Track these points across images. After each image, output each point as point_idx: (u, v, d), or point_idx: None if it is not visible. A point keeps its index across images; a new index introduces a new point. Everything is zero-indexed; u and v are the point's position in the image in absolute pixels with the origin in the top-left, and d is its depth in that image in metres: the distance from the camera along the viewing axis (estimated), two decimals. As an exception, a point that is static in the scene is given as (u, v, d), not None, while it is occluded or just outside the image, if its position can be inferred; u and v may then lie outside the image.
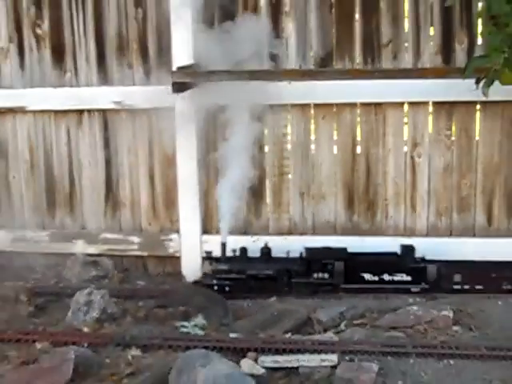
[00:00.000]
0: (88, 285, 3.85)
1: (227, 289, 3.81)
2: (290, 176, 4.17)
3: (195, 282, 3.94)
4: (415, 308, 3.49)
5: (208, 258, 3.94)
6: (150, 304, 3.73)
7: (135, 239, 4.34)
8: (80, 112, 4.33)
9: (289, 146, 4.16)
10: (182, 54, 4.02)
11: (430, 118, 4.00)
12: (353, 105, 4.02)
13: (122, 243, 4.34)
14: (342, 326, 3.44)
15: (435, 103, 3.95)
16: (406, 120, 4.02)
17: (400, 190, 4.05)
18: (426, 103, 3.95)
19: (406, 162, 4.03)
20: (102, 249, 4.37)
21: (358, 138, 4.07)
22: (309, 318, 3.52)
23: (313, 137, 4.12)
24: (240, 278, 3.81)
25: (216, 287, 3.81)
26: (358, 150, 4.08)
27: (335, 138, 4.11)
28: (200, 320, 3.33)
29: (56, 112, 4.36)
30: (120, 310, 3.60)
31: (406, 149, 4.03)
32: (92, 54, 4.28)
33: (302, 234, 4.19)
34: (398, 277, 3.77)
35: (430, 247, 3.87)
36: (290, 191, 4.18)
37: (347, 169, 4.10)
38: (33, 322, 3.52)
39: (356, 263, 3.82)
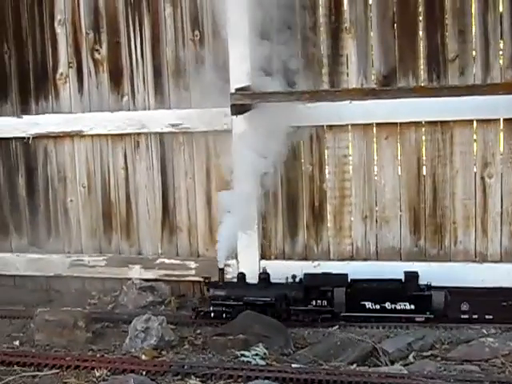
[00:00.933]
0: (145, 311, 3.78)
1: (224, 315, 3.71)
2: (351, 199, 4.02)
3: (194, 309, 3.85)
4: (490, 340, 3.27)
5: (206, 283, 3.86)
6: (208, 331, 3.65)
7: (192, 264, 4.26)
8: (137, 135, 4.31)
9: (350, 168, 4.02)
10: (239, 75, 3.97)
11: (501, 135, 3.78)
12: (418, 123, 3.86)
13: (178, 268, 4.27)
14: (411, 358, 3.23)
15: (506, 120, 3.74)
16: (474, 137, 3.82)
17: (470, 212, 3.84)
18: (496, 120, 3.75)
19: (476, 183, 3.82)
20: (159, 274, 4.31)
21: (424, 158, 3.90)
22: (374, 349, 3.32)
23: (375, 157, 3.97)
24: (237, 305, 3.69)
25: (213, 314, 3.74)
26: (424, 170, 3.90)
27: (399, 158, 3.94)
28: (261, 349, 3.18)
29: (113, 136, 4.36)
30: (178, 337, 3.50)
31: (475, 169, 3.82)
32: (149, 77, 4.28)
33: (365, 259, 4.02)
34: (401, 305, 3.60)
35: (503, 274, 3.63)
36: (352, 214, 4.02)
37: (412, 191, 3.92)
38: (91, 348, 3.46)
39: (357, 291, 3.66)
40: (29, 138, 4.50)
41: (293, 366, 3.08)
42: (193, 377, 2.99)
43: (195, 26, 4.16)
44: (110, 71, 4.35)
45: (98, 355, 3.31)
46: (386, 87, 3.78)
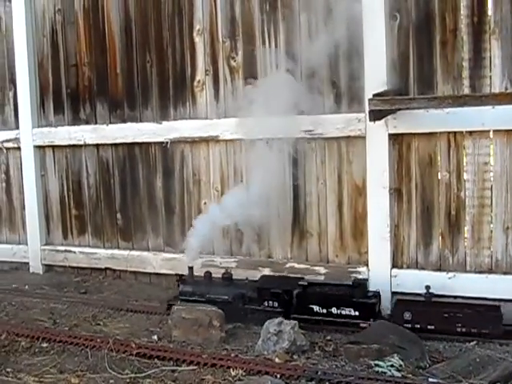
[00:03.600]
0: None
1: None
2: (492, 208, 3.81)
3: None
4: None
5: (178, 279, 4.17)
6: (338, 338, 3.62)
7: (321, 270, 4.25)
8: (270, 141, 4.36)
9: (491, 176, 3.82)
10: (374, 80, 3.92)
11: None
12: None
13: (307, 273, 4.26)
14: (559, 381, 3.01)
15: None
16: None
17: None
18: None
19: None
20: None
21: None
22: (517, 368, 3.13)
23: (520, 165, 3.75)
24: (200, 301, 3.93)
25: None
26: None
27: (548, 165, 3.70)
28: (396, 360, 3.10)
29: (245, 141, 4.45)
30: (309, 343, 3.50)
31: None
32: (283, 84, 4.29)
33: (505, 273, 3.79)
34: (346, 311, 3.67)
35: None
36: (492, 225, 3.82)
37: (562, 201, 3.66)
38: (225, 347, 3.54)
39: (306, 294, 3.78)
40: (167, 143, 4.72)
41: (430, 380, 2.99)
42: (327, 383, 2.99)
43: (330, 31, 4.15)
44: (245, 78, 4.45)
45: (232, 355, 3.39)
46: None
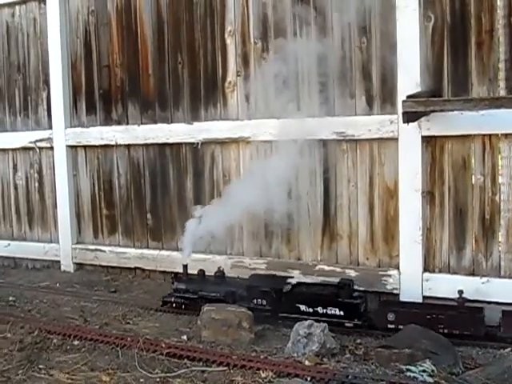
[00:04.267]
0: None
1: (183, 306, 4.20)
2: (528, 212, 3.75)
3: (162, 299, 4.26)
4: None
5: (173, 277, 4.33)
6: (368, 342, 3.59)
7: (352, 273, 4.21)
8: (301, 142, 4.34)
9: (528, 179, 3.75)
10: (407, 81, 3.88)
11: None
12: None
13: (338, 276, 4.22)
14: None
15: None
16: None
17: None
18: None
19: None
20: (318, 280, 4.31)
21: None
22: (555, 377, 3.06)
23: (558, 168, 3.67)
24: (193, 298, 4.12)
25: (174, 304, 4.22)
26: None
27: None
28: (428, 365, 3.05)
29: (276, 142, 4.44)
30: (339, 346, 3.48)
31: None
32: (314, 85, 4.31)
33: (540, 278, 3.72)
34: (332, 311, 3.74)
35: None
36: (529, 229, 3.75)
37: None
38: (254, 349, 3.53)
39: (293, 293, 3.86)
40: (198, 144, 4.74)
41: (463, 386, 2.94)
42: (358, 387, 2.96)
43: (362, 33, 4.13)
44: (275, 79, 4.40)
45: (261, 356, 3.37)
46: None
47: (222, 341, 3.63)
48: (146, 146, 5.04)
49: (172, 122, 4.90)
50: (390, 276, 4.07)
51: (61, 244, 5.58)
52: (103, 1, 5.21)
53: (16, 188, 5.90)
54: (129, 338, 3.66)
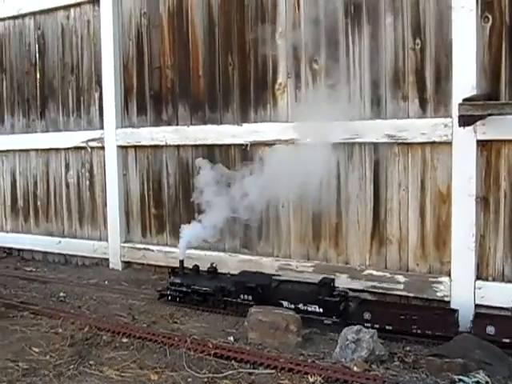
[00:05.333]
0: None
1: (177, 299, 4.44)
2: None
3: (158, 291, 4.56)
4: None
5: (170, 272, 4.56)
6: (418, 349, 3.52)
7: (401, 278, 4.14)
8: (351, 145, 4.31)
9: None
10: (463, 84, 3.79)
11: None
12: None
13: (386, 281, 4.18)
14: None
15: None
16: None
17: None
18: None
19: None
20: (366, 285, 4.26)
21: None
22: None
23: None
24: (187, 292, 4.36)
25: (170, 297, 4.46)
26: None
27: None
28: (482, 376, 2.96)
29: (325, 145, 4.39)
30: (387, 352, 3.42)
31: None
32: (366, 87, 4.26)
33: None
34: (312, 308, 3.86)
35: None
36: None
37: None
38: (301, 352, 3.51)
39: (276, 290, 4.03)
40: (247, 145, 4.74)
41: (519, 400, 2.85)
42: (408, 396, 2.90)
43: (416, 34, 4.05)
44: (326, 80, 4.40)
45: (309, 360, 3.35)
46: None
47: (268, 343, 3.62)
48: (196, 146, 5.08)
49: (221, 124, 4.91)
50: (440, 283, 3.98)
51: (110, 242, 5.68)
52: (155, 3, 5.28)
53: (68, 186, 6.04)
54: (176, 338, 3.69)
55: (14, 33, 6.38)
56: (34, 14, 6.16)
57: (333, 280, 4.01)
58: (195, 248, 5.12)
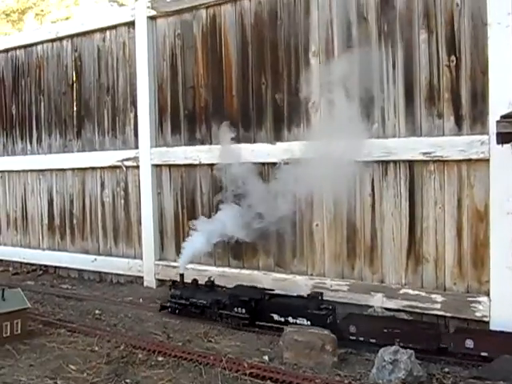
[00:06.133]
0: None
1: (176, 311, 4.65)
2: None
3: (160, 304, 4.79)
4: None
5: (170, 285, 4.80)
6: (457, 371, 3.44)
7: (438, 298, 4.07)
8: (385, 163, 4.29)
9: None
10: (500, 100, 3.75)
11: None
12: None
13: (423, 301, 4.11)
14: None
15: None
16: None
17: None
18: None
19: None
20: (402, 304, 4.20)
21: None
22: None
23: None
24: (186, 304, 4.57)
25: (170, 309, 4.68)
26: None
27: None
28: (525, 400, 2.90)
29: (362, 162, 4.38)
30: (426, 374, 3.35)
31: None
32: (400, 105, 4.24)
33: None
34: (300, 320, 4.01)
35: None
36: None
37: None
38: (337, 373, 3.47)
39: (268, 303, 4.22)
40: (280, 164, 4.74)
41: None
42: (449, 419, 2.84)
43: (451, 51, 4.03)
44: (360, 98, 4.39)
45: (346, 381, 3.31)
46: None
47: (304, 363, 3.59)
48: (229, 165, 5.11)
49: (255, 142, 4.94)
50: (479, 303, 3.91)
51: (144, 260, 5.73)
52: (189, 24, 5.37)
53: (103, 205, 6.13)
54: (211, 357, 3.68)
55: (51, 55, 6.55)
56: (71, 36, 6.32)
57: (321, 294, 4.12)
58: (229, 266, 5.15)
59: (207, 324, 4.44)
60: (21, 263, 6.91)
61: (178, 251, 5.50)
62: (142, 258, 5.76)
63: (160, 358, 3.76)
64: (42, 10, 15.67)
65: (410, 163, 4.19)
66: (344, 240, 4.53)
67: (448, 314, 4.05)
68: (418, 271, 4.22)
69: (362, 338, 3.78)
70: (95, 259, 6.14)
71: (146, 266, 5.70)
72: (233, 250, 5.16)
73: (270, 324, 4.17)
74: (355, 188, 4.45)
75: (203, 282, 4.65)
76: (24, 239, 6.93)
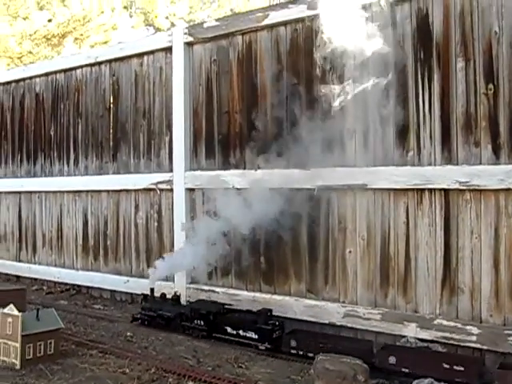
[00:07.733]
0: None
1: (145, 322, 5.14)
2: None
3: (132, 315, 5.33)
4: None
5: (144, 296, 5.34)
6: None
7: (474, 330, 3.98)
8: (421, 191, 4.24)
9: None
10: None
11: None
12: None
13: (458, 332, 4.03)
14: None
15: None
16: None
17: None
18: None
19: None
20: (436, 335, 4.12)
21: None
22: None
23: None
24: (154, 316, 5.09)
25: (140, 320, 5.19)
26: None
27: None
28: None
29: (396, 190, 4.35)
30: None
31: None
32: (436, 133, 4.21)
33: None
34: (249, 334, 4.45)
35: None
36: None
37: None
38: (367, 405, 3.41)
39: (223, 317, 4.70)
40: (315, 189, 4.73)
41: None
42: None
43: (489, 79, 4.00)
44: (396, 126, 4.37)
45: (376, 414, 3.26)
46: None
47: (335, 393, 3.54)
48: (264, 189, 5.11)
49: (289, 168, 4.94)
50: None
51: (176, 282, 5.74)
52: (225, 51, 5.44)
53: (136, 227, 6.19)
54: (242, 383, 3.66)
55: (90, 79, 6.70)
56: (109, 61, 6.47)
57: (270, 310, 4.58)
58: (260, 291, 5.13)
59: (237, 349, 4.43)
60: (55, 282, 7.01)
61: (210, 275, 5.54)
62: (173, 281, 5.78)
63: (190, 383, 3.75)
64: (82, 35, 16.06)
65: (446, 192, 4.14)
66: (377, 268, 4.47)
67: (484, 347, 3.95)
68: (452, 302, 4.14)
69: (301, 352, 4.18)
70: (128, 280, 6.18)
71: (178, 288, 5.71)
72: (264, 275, 5.14)
73: (224, 336, 4.60)
74: (389, 215, 4.40)
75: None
76: (58, 259, 7.04)
